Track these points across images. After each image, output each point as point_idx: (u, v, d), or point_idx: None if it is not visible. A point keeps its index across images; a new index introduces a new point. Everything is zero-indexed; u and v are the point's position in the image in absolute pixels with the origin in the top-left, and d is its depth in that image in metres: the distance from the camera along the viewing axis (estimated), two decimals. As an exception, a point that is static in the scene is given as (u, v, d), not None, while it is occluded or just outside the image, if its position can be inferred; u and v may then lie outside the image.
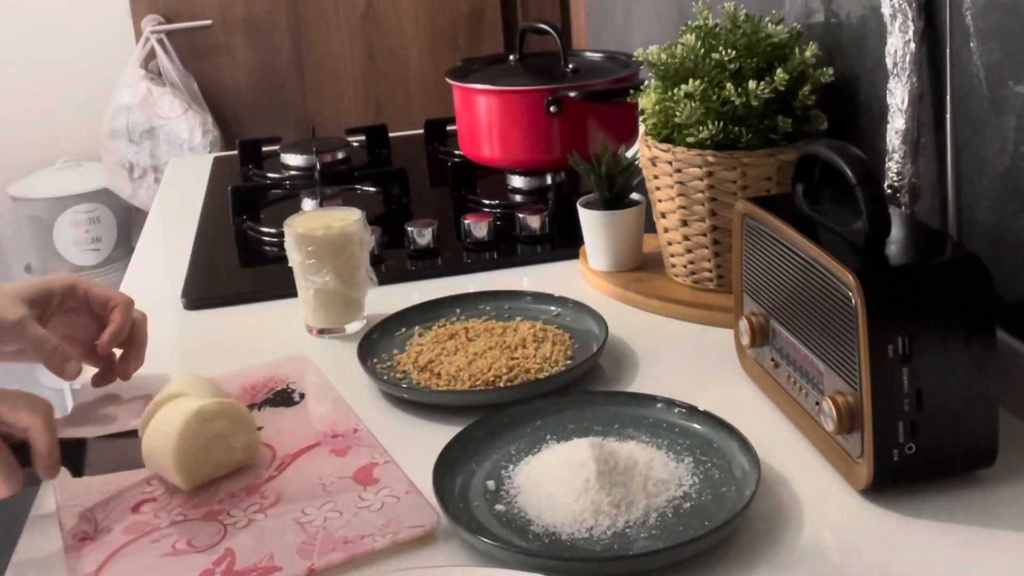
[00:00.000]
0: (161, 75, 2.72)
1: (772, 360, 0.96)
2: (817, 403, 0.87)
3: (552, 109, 1.51)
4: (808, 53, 1.11)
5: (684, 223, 1.16)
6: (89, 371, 1.08)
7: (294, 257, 1.15)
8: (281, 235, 1.18)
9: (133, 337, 1.07)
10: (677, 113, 1.10)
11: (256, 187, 1.73)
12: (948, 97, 0.97)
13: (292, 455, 0.93)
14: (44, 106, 3.06)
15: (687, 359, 1.09)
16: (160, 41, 2.69)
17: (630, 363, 1.07)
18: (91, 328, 1.07)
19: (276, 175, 1.80)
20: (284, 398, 1.03)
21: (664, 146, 1.13)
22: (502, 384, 1.00)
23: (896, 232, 0.85)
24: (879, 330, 0.78)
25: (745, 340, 0.99)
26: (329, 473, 0.89)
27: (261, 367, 1.10)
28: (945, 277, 0.80)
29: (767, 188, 1.10)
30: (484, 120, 1.58)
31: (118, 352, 1.08)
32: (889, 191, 1.03)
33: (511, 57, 1.68)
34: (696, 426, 0.90)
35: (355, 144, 1.91)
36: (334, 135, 1.97)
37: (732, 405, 0.95)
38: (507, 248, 1.41)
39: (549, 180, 1.61)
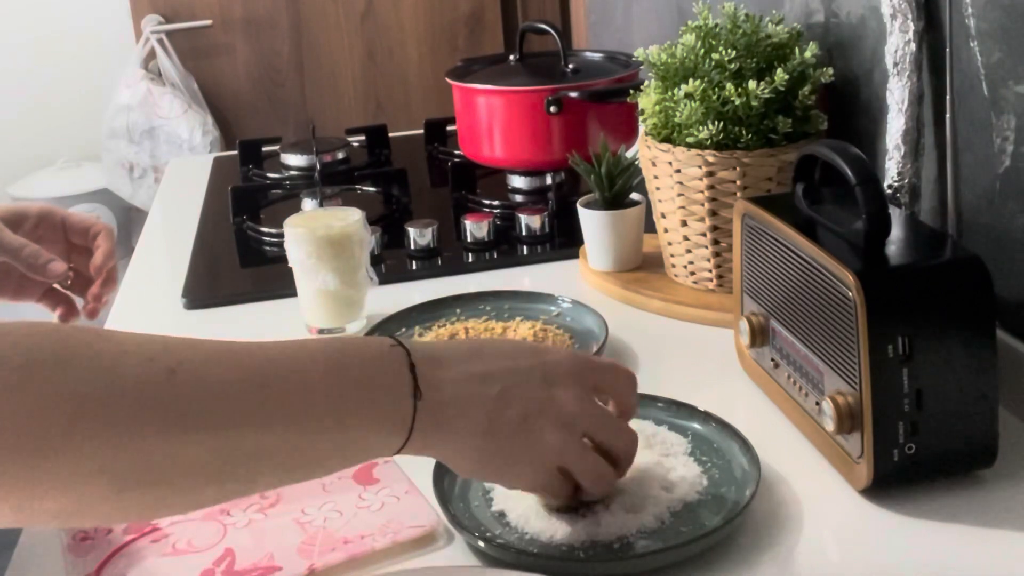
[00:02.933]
0: (161, 75, 2.72)
1: (772, 360, 0.96)
2: (817, 403, 0.87)
3: (552, 109, 1.51)
4: (808, 53, 1.11)
5: (684, 223, 1.16)
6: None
7: (294, 257, 1.15)
8: (281, 235, 1.18)
9: (110, 271, 1.06)
10: (677, 113, 1.10)
11: (256, 187, 1.73)
12: (948, 97, 0.97)
13: (292, 455, 0.93)
14: (44, 106, 3.06)
15: (687, 359, 1.09)
16: (160, 41, 2.69)
17: (630, 363, 1.07)
18: (64, 261, 1.05)
19: (276, 175, 1.80)
20: (284, 398, 1.03)
21: (664, 146, 1.13)
22: (502, 384, 1.00)
23: (896, 232, 0.85)
24: (879, 330, 0.78)
25: (745, 340, 0.99)
26: (329, 473, 0.89)
27: (261, 367, 1.09)
28: (945, 277, 0.80)
29: (767, 188, 1.10)
30: (484, 120, 1.58)
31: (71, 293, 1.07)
32: (889, 191, 1.03)
33: (511, 57, 1.68)
34: (696, 426, 0.90)
35: (355, 144, 1.90)
36: (334, 135, 1.97)
37: (732, 405, 0.95)
38: (507, 248, 1.41)
39: (549, 180, 1.61)
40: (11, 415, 0.55)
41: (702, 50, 1.11)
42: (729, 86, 1.08)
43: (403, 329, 1.14)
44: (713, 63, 1.10)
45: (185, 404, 0.61)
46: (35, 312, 1.20)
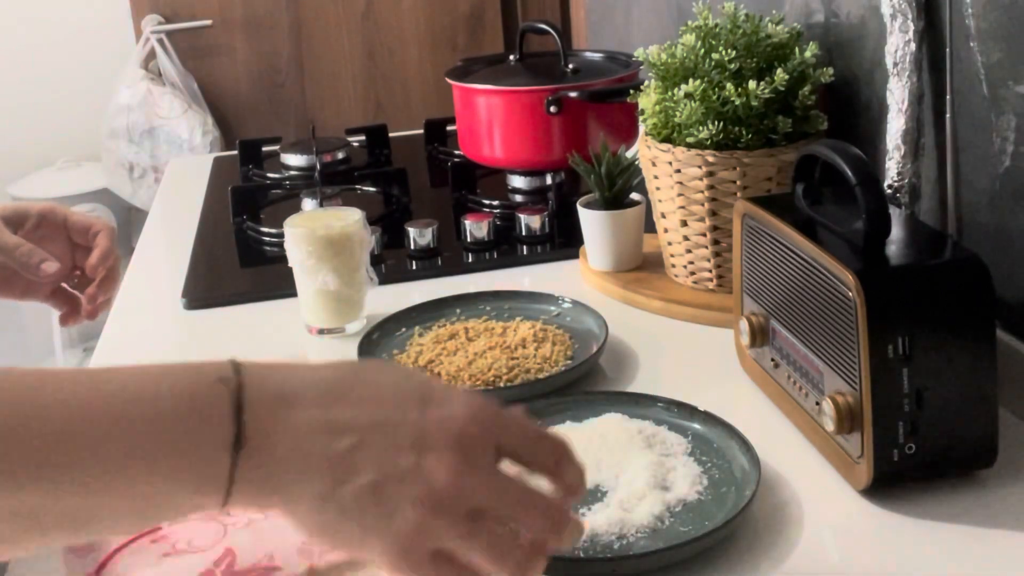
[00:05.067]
0: (161, 75, 2.72)
1: (772, 360, 0.96)
2: (817, 403, 0.87)
3: (552, 109, 1.51)
4: (808, 53, 1.11)
5: (684, 223, 1.16)
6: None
7: (294, 257, 1.15)
8: (281, 235, 1.18)
9: (110, 270, 1.06)
10: (677, 113, 1.10)
11: (256, 187, 1.73)
12: (948, 97, 0.97)
13: (292, 455, 0.92)
14: (44, 106, 3.06)
15: (687, 359, 1.09)
16: (160, 41, 2.68)
17: (630, 363, 1.07)
18: (66, 260, 1.05)
19: (276, 175, 1.80)
20: (284, 398, 1.03)
21: (664, 146, 1.13)
22: (502, 384, 1.00)
23: (896, 232, 0.85)
24: (879, 330, 0.78)
25: (745, 340, 0.99)
26: (329, 473, 0.89)
27: (261, 367, 1.09)
28: (945, 277, 0.80)
29: (767, 188, 1.10)
30: (484, 120, 1.58)
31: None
32: (889, 191, 1.03)
33: (511, 57, 1.68)
34: (696, 426, 0.90)
35: (355, 144, 1.90)
36: (334, 135, 1.97)
37: (732, 405, 0.95)
38: (507, 248, 1.41)
39: (549, 180, 1.61)
40: None
41: (702, 50, 1.11)
42: (729, 86, 1.08)
43: (403, 329, 1.14)
44: (713, 63, 1.10)
45: None
46: (42, 311, 1.20)
